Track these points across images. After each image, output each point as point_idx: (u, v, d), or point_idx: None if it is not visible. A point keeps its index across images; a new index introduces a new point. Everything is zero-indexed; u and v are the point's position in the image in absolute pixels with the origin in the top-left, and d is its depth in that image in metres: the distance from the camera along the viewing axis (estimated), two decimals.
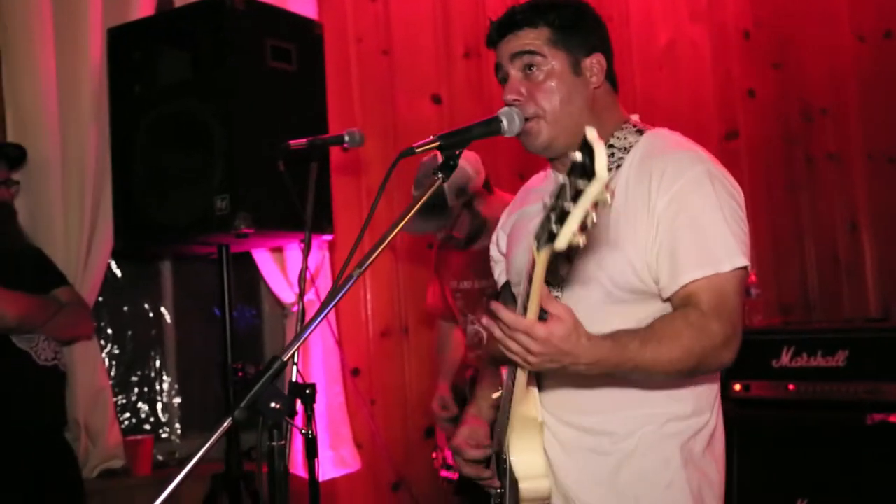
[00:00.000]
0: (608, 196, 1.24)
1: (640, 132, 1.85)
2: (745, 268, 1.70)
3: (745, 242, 1.72)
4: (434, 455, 3.42)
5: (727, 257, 1.68)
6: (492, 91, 4.21)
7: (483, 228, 3.14)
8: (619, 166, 1.80)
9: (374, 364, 3.88)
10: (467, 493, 3.19)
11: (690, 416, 1.78)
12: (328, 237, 3.14)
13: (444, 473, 3.34)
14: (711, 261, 1.67)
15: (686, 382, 1.77)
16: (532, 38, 1.82)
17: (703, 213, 1.70)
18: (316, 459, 1.88)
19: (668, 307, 1.72)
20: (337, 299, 1.57)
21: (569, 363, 1.50)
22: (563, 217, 1.28)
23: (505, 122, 1.75)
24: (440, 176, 1.69)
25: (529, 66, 1.82)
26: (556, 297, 1.75)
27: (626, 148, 1.82)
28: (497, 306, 1.49)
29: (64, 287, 2.98)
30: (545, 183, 2.04)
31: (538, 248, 1.36)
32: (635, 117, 1.92)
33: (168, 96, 2.94)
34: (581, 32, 1.85)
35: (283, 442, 1.53)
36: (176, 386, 3.80)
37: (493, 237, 2.19)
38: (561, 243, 1.29)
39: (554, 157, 1.90)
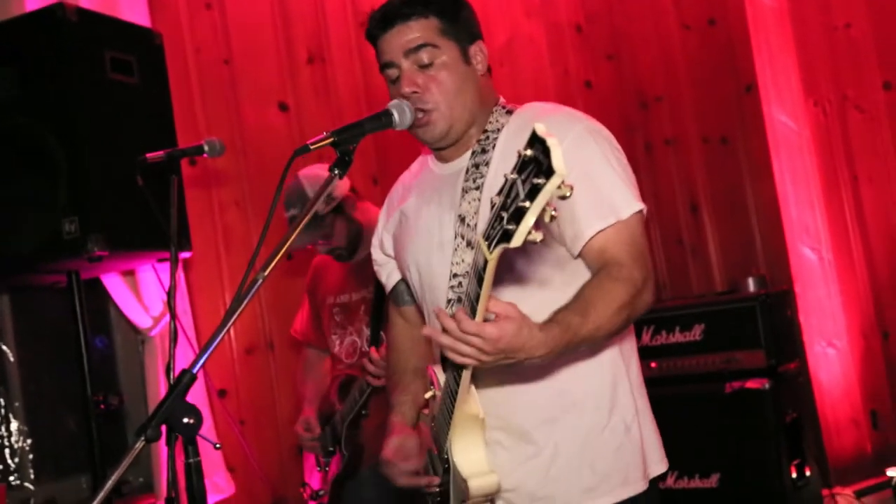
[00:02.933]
0: (568, 190, 1.26)
1: (510, 112, 1.90)
2: (641, 211, 1.77)
3: (635, 186, 1.81)
4: (301, 490, 3.36)
5: (625, 204, 1.75)
6: (338, 94, 4.19)
7: (360, 234, 3.12)
8: (494, 147, 1.83)
9: (240, 383, 3.78)
10: None
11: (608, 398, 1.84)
12: (186, 254, 3.03)
13: None
14: (612, 211, 1.74)
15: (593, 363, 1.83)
16: (422, 29, 1.84)
17: (593, 167, 1.77)
18: (203, 482, 1.81)
19: (582, 271, 1.76)
20: (242, 306, 1.52)
21: (523, 358, 1.52)
22: (518, 215, 1.28)
23: (396, 115, 1.75)
24: (336, 172, 1.67)
25: (424, 60, 1.83)
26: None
27: (497, 129, 1.87)
28: (440, 312, 1.50)
29: None
30: (420, 179, 2.04)
31: (490, 248, 1.36)
32: (502, 99, 1.96)
33: None
34: (463, 21, 1.89)
35: (198, 458, 1.46)
36: (24, 428, 3.57)
37: (374, 240, 2.17)
38: (517, 241, 1.30)
39: (442, 148, 1.91)
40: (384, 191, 3.90)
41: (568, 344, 1.59)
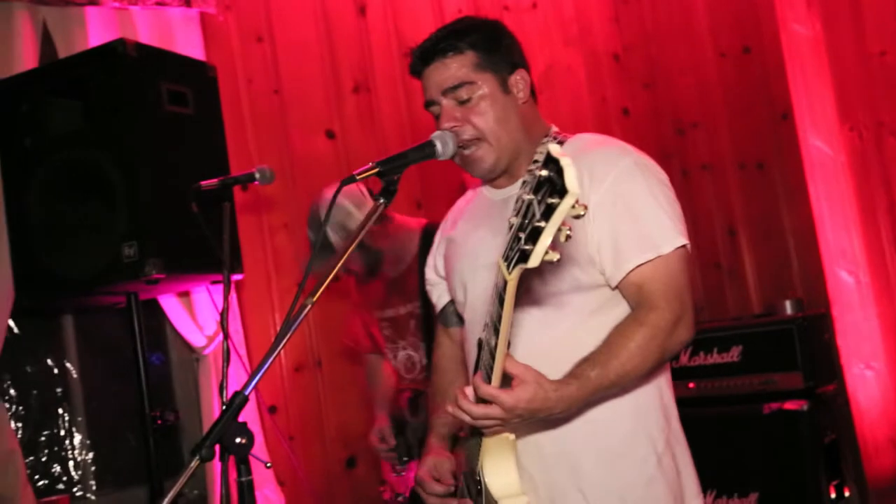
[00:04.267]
0: (581, 209, 1.25)
1: (561, 142, 1.89)
2: (685, 246, 1.75)
3: (682, 221, 1.79)
4: (381, 489, 3.37)
5: (667, 239, 1.74)
6: (383, 122, 4.24)
7: (380, 259, 3.10)
8: None
9: (290, 400, 3.82)
10: None
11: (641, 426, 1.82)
12: (238, 277, 3.08)
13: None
14: (652, 245, 1.73)
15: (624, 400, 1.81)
16: (458, 65, 1.84)
17: (638, 201, 1.75)
18: (254, 499, 1.84)
19: (615, 301, 1.76)
20: (292, 330, 1.55)
21: (543, 416, 1.54)
22: (534, 235, 1.27)
23: (439, 146, 1.76)
24: (382, 201, 1.69)
25: (462, 97, 1.84)
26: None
27: None
28: (460, 396, 1.53)
29: None
30: (473, 204, 2.06)
31: (510, 269, 1.36)
32: (555, 128, 1.96)
33: (61, 147, 2.86)
34: (502, 51, 1.89)
35: (250, 477, 1.49)
36: (87, 442, 3.64)
37: (429, 261, 2.19)
38: (535, 261, 1.29)
39: (493, 179, 1.92)
40: (428, 214, 3.97)
41: (589, 396, 1.60)
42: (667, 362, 1.80)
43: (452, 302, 2.11)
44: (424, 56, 1.87)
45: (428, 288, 2.23)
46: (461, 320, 2.08)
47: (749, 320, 4.17)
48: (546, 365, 1.75)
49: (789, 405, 3.63)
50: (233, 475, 1.59)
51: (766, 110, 4.75)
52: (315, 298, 1.55)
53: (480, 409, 1.51)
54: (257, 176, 2.48)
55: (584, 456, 1.80)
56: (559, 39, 5.01)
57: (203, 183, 2.48)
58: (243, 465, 1.50)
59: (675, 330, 1.69)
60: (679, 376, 3.87)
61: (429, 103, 1.90)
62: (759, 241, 4.86)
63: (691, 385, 3.89)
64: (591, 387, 1.59)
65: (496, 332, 1.49)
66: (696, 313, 5.01)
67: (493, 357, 1.49)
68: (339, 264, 1.62)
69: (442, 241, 2.14)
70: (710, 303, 4.98)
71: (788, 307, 4.07)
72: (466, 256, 1.98)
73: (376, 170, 1.69)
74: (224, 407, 1.49)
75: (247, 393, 1.49)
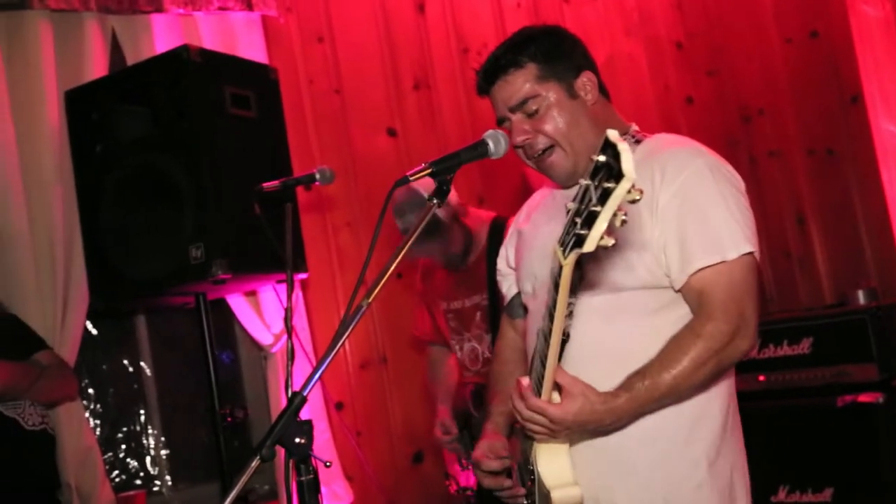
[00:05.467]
0: (637, 194, 1.24)
1: (639, 141, 1.88)
2: (751, 253, 1.73)
3: (751, 228, 1.75)
4: (447, 482, 3.38)
5: (733, 245, 1.71)
6: (443, 119, 4.25)
7: (472, 241, 3.14)
8: None
9: (356, 396, 3.86)
10: None
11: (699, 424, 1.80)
12: (303, 275, 3.13)
13: (459, 497, 3.31)
14: (718, 249, 1.70)
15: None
16: (522, 80, 1.85)
17: (707, 203, 1.73)
18: (320, 494, 1.87)
19: (678, 303, 1.74)
20: (349, 331, 1.56)
21: (592, 429, 1.54)
22: (590, 219, 1.27)
23: (491, 145, 1.77)
24: (435, 202, 1.70)
25: (530, 110, 1.85)
26: (571, 302, 1.75)
27: None
28: (516, 395, 1.53)
29: (44, 351, 2.93)
30: (547, 199, 2.07)
31: (565, 253, 1.36)
32: (634, 126, 1.95)
33: (131, 152, 2.92)
34: (564, 57, 1.88)
35: (311, 476, 1.51)
36: (162, 438, 3.74)
37: (501, 251, 2.21)
38: (590, 245, 1.29)
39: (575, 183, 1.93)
40: (490, 209, 3.96)
41: (640, 408, 1.58)
42: (725, 372, 1.77)
43: (520, 293, 2.12)
44: (487, 76, 1.89)
45: (498, 278, 2.25)
46: (527, 312, 2.08)
47: (820, 311, 4.07)
48: (601, 359, 1.74)
49: (864, 397, 3.53)
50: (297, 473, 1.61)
51: (835, 95, 4.62)
52: (370, 300, 1.56)
53: (530, 414, 1.51)
54: (318, 176, 2.50)
55: (633, 454, 1.78)
56: (620, 29, 4.94)
57: (265, 185, 2.52)
58: (303, 464, 1.51)
59: (731, 342, 1.66)
60: (748, 369, 3.81)
61: (500, 120, 1.92)
62: (830, 228, 4.73)
63: (761, 378, 3.81)
64: (641, 399, 1.58)
65: (551, 318, 1.49)
66: (766, 304, 4.91)
67: (543, 366, 1.49)
68: (394, 266, 1.62)
69: (514, 233, 2.16)
70: (781, 293, 4.87)
71: (861, 297, 3.95)
72: (535, 249, 1.99)
73: (429, 170, 1.69)
74: (284, 408, 1.51)
75: (305, 393, 1.51)
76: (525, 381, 1.64)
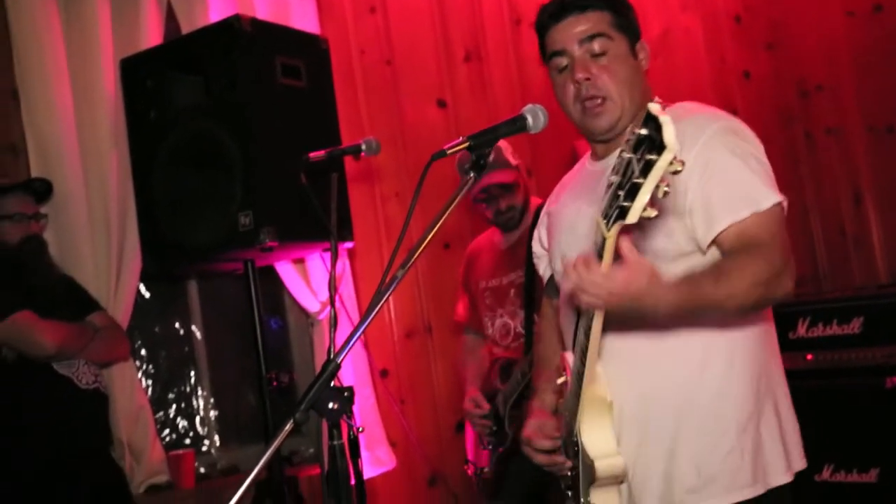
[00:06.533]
0: (679, 165, 1.26)
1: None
2: (780, 205, 1.72)
3: (774, 183, 1.75)
4: (465, 467, 3.42)
5: (762, 196, 1.71)
6: (494, 90, 4.24)
7: (526, 210, 3.20)
8: None
9: (401, 365, 3.90)
10: (500, 498, 3.20)
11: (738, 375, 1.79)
12: (349, 245, 3.16)
13: (476, 481, 3.34)
14: (747, 204, 1.70)
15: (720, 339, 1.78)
16: (597, 19, 1.85)
17: (729, 164, 1.73)
18: (360, 458, 1.90)
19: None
20: (384, 299, 1.58)
21: (649, 306, 1.50)
22: (633, 191, 1.29)
23: (530, 119, 1.76)
24: (472, 175, 1.71)
25: (596, 50, 1.84)
26: None
27: None
28: (579, 261, 1.48)
29: (98, 312, 3.02)
30: (575, 177, 2.07)
31: (608, 226, 1.37)
32: (657, 98, 1.95)
33: (184, 120, 2.95)
34: (631, 18, 1.91)
35: (342, 441, 1.55)
36: (211, 400, 3.83)
37: (535, 234, 2.22)
38: (633, 217, 1.31)
39: (604, 140, 1.92)
40: (539, 182, 3.95)
41: (696, 304, 1.55)
42: (766, 308, 1.75)
43: (553, 276, 2.13)
44: (563, 8, 1.87)
45: (535, 261, 2.26)
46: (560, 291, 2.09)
47: (873, 290, 3.99)
48: (640, 336, 1.75)
49: None
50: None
51: None
52: (406, 269, 1.58)
53: (588, 274, 1.46)
54: (363, 147, 2.51)
55: (664, 423, 1.78)
56: (676, 2, 4.86)
57: (311, 154, 2.53)
58: (335, 429, 1.54)
59: (783, 272, 1.64)
60: (796, 347, 3.76)
61: (556, 53, 1.89)
62: (888, 207, 4.63)
63: (809, 357, 3.75)
64: (699, 294, 1.54)
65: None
66: (818, 282, 4.82)
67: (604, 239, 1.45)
68: (430, 237, 1.64)
69: (545, 215, 2.16)
70: (834, 272, 4.78)
71: None
72: (565, 228, 1.99)
73: (466, 144, 1.70)
74: (318, 374, 1.54)
75: (339, 360, 1.53)
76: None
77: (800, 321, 3.77)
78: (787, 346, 3.77)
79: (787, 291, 1.67)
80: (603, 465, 1.74)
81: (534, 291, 3.04)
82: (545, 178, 3.93)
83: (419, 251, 1.60)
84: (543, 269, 2.21)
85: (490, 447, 3.24)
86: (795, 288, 1.69)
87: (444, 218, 1.64)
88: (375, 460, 3.62)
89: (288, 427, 1.48)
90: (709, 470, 1.76)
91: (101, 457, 2.96)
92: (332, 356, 2.37)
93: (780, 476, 1.81)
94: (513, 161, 3.18)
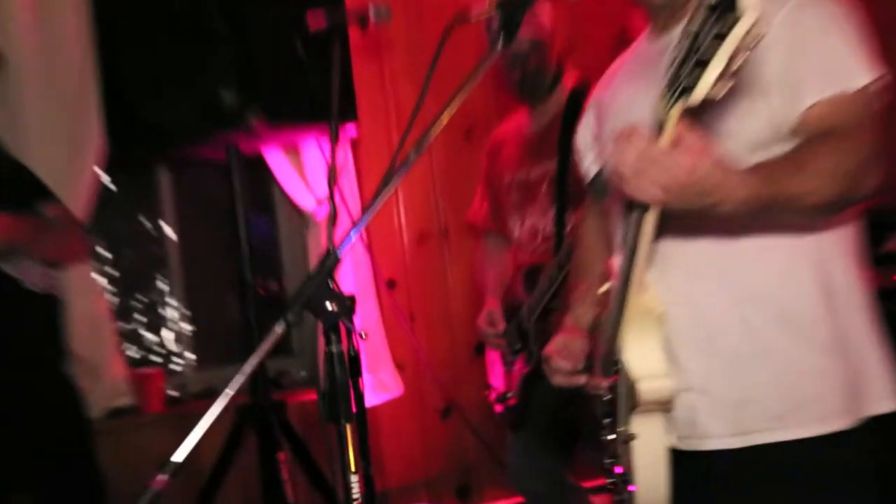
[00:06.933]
0: (759, 32, 1.24)
1: None
2: (876, 81, 1.68)
3: (871, 57, 1.70)
4: (485, 392, 3.44)
5: (856, 70, 1.67)
6: None
7: (556, 86, 3.19)
8: None
9: (411, 274, 3.90)
10: (525, 427, 3.22)
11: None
12: (352, 128, 3.12)
13: (499, 409, 3.37)
14: (838, 78, 1.67)
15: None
16: None
17: (817, 32, 1.69)
18: (360, 378, 1.90)
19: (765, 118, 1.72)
20: (393, 184, 1.54)
21: (718, 199, 1.46)
22: (701, 65, 1.28)
23: None
24: (500, 46, 1.67)
25: None
26: None
27: None
28: (631, 126, 1.44)
29: (49, 201, 2.98)
30: (629, 59, 2.03)
31: (669, 105, 1.36)
32: None
33: None
34: None
35: (341, 348, 1.53)
36: (185, 311, 3.84)
37: (580, 129, 2.19)
38: (699, 94, 1.29)
39: (666, 9, 1.88)
40: (579, 62, 3.87)
41: (771, 198, 1.52)
42: (844, 207, 1.73)
43: (601, 172, 2.10)
44: None
45: (577, 158, 2.23)
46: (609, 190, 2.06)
47: None
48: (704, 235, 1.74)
49: None
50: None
51: None
52: (421, 150, 1.54)
53: (644, 149, 1.42)
54: (372, 14, 2.47)
55: (733, 342, 1.77)
56: None
57: (310, 20, 2.48)
58: (333, 333, 1.51)
59: (868, 166, 1.62)
60: (884, 262, 3.74)
61: None
62: None
63: None
64: (774, 186, 1.51)
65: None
66: None
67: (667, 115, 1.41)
68: (451, 109, 1.60)
69: (593, 105, 2.14)
70: None
71: None
72: (618, 113, 1.96)
73: (494, 10, 1.66)
74: (315, 268, 1.52)
75: (340, 252, 1.52)
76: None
77: (892, 234, 3.74)
78: (874, 262, 3.75)
79: (872, 189, 1.65)
80: (647, 388, 1.72)
81: (566, 186, 3.02)
82: (587, 58, 3.84)
83: (437, 127, 1.56)
84: (587, 168, 2.19)
85: (511, 368, 3.25)
86: (887, 195, 1.67)
87: (467, 89, 1.60)
88: (379, 386, 3.64)
89: (278, 330, 1.47)
90: (796, 395, 1.76)
91: (50, 372, 2.93)
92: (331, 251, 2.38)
93: (880, 402, 1.81)
94: (548, 22, 3.13)
